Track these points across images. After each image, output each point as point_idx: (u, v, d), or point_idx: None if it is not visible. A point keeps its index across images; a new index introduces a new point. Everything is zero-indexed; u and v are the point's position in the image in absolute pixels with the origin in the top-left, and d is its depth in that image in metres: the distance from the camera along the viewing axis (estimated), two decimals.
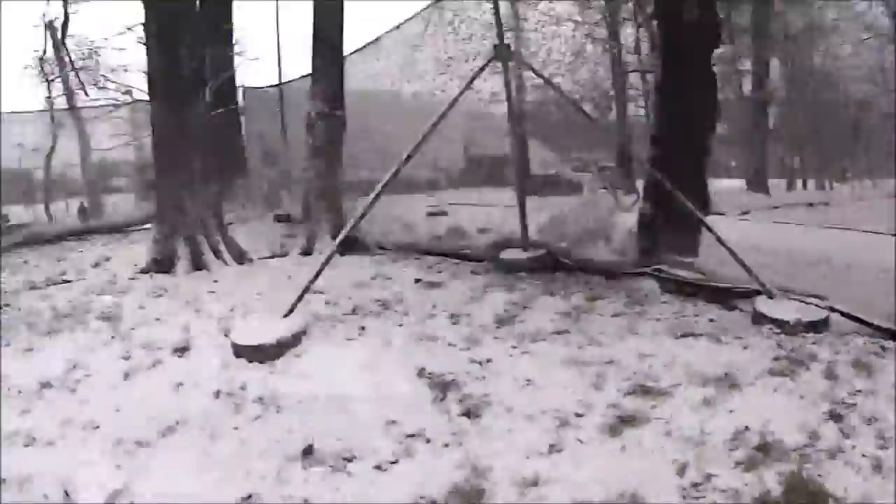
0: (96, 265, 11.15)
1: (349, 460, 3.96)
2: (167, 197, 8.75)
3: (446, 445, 4.06)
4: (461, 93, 7.34)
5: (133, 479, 4.24)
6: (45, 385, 5.57)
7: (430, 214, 13.67)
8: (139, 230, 14.67)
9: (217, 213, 9.12)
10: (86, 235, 14.64)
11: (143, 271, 8.86)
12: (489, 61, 7.71)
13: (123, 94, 20.64)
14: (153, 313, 7.21)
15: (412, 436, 4.15)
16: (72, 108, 21.32)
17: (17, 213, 18.83)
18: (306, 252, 9.07)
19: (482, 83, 11.50)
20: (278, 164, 13.77)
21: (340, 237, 6.70)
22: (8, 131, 19.27)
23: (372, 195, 6.74)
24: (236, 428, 4.66)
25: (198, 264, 8.62)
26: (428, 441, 4.10)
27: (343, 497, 3.74)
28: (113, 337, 6.59)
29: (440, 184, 19.42)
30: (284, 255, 9.68)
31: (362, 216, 6.74)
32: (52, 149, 20.68)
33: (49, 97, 22.25)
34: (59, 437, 4.79)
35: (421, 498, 3.56)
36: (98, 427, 4.90)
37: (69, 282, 10.20)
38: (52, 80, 24.05)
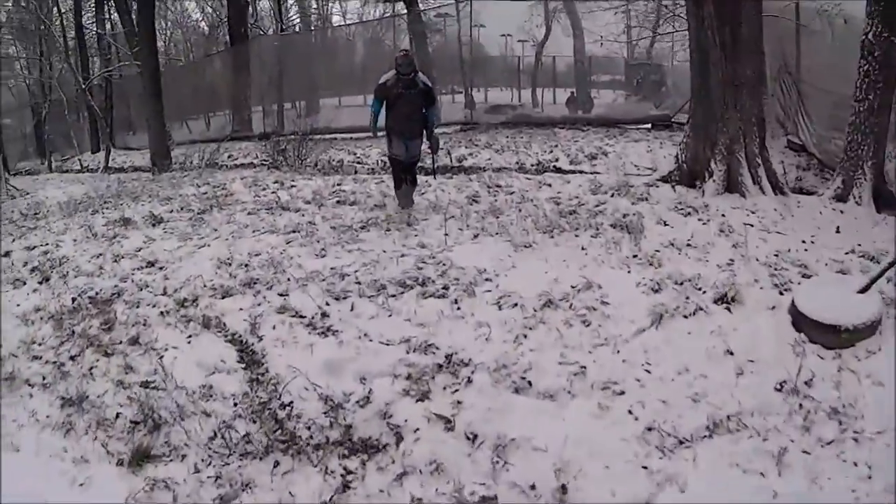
0: (593, 157, 10.07)
1: None
2: (705, 101, 6.84)
3: None
4: None
5: (660, 488, 2.95)
6: (548, 304, 4.30)
7: None
8: (634, 128, 13.41)
9: (760, 130, 6.93)
10: (576, 125, 13.91)
11: (664, 179, 7.22)
12: None
13: None
14: (681, 235, 5.56)
15: None
16: (565, 2, 20.77)
17: (498, 95, 19.22)
18: (840, 198, 6.49)
19: None
20: (794, 85, 10.77)
21: None
22: (499, 18, 19.46)
23: None
24: (805, 452, 3.17)
25: (731, 185, 6.65)
26: None
27: None
28: (635, 255, 5.09)
29: None
30: (810, 192, 7.22)
31: None
32: (545, 39, 20.40)
33: None
34: (561, 391, 3.45)
35: None
36: (621, 393, 3.49)
37: (561, 171, 9.35)
38: None
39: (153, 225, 6.83)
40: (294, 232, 6.05)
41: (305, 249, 5.55)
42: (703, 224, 5.88)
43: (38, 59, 20.57)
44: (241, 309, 4.53)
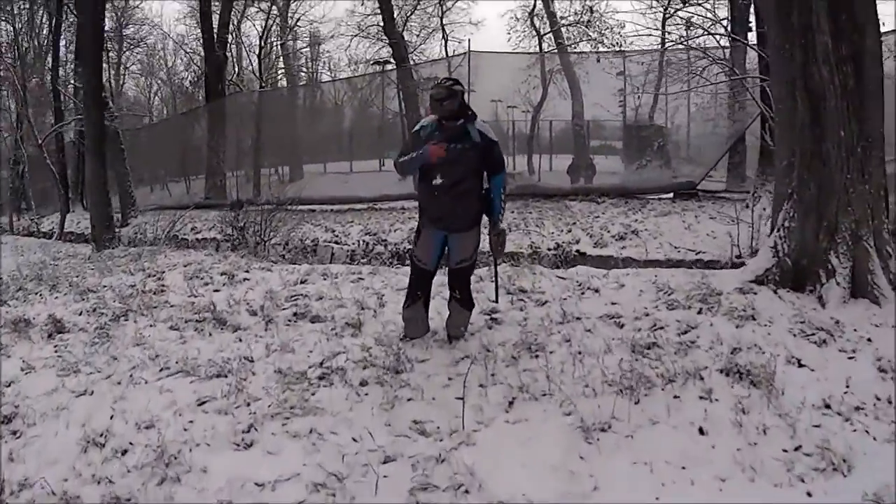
0: (622, 238, 7.91)
1: None
2: (819, 169, 4.49)
3: None
4: None
5: None
6: None
7: None
8: (653, 198, 11.21)
9: (886, 208, 4.64)
10: (589, 196, 11.59)
11: (759, 280, 4.77)
12: None
13: (617, 53, 17.36)
14: (834, 387, 3.26)
15: None
16: (563, 62, 19.02)
17: None
18: None
19: None
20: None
21: None
22: (488, 81, 17.52)
23: None
24: None
25: (857, 287, 4.34)
26: None
27: None
28: (797, 447, 2.82)
29: None
30: None
31: None
32: (541, 104, 18.01)
33: (540, 51, 20.45)
34: None
35: None
36: None
37: (586, 255, 7.24)
38: (544, 35, 22.51)
39: (49, 336, 4.64)
40: (218, 377, 3.67)
41: (224, 423, 3.17)
42: (850, 358, 3.60)
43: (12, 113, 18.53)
44: None
